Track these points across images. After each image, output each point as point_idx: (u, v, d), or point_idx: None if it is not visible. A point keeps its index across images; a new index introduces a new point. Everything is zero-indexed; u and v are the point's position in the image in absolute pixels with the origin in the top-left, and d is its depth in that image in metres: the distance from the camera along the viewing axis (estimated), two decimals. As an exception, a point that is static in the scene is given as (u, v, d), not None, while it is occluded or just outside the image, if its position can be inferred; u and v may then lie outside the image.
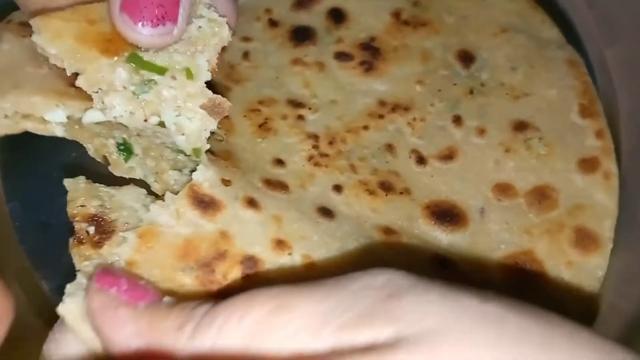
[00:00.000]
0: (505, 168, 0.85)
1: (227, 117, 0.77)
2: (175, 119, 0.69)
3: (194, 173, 0.73)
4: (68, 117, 0.73)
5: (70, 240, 0.70)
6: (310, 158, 0.84)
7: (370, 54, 0.93)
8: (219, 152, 0.82)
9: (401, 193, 0.83)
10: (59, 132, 0.76)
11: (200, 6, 0.70)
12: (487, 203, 0.83)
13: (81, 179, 0.73)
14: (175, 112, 0.69)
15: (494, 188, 0.84)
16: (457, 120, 0.89)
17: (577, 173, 0.85)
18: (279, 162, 0.83)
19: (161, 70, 0.66)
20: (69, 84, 0.71)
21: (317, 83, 0.91)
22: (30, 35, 0.69)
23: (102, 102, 0.67)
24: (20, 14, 0.82)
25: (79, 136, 0.77)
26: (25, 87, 0.71)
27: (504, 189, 0.84)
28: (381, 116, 0.89)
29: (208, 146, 0.75)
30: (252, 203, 0.74)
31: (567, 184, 0.84)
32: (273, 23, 0.96)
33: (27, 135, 0.83)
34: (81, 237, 0.69)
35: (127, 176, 0.80)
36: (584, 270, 0.79)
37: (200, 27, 0.69)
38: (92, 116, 0.70)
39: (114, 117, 0.69)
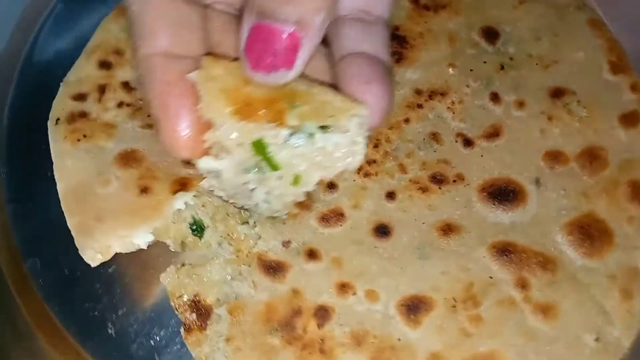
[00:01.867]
0: (551, 135, 0.87)
1: None
2: (266, 200, 0.75)
3: (258, 242, 0.81)
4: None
5: (182, 331, 0.78)
6: (359, 170, 0.85)
7: (398, 44, 0.94)
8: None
9: (454, 181, 0.85)
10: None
11: (354, 120, 0.65)
12: (540, 173, 0.85)
13: (172, 269, 0.80)
14: (266, 195, 0.74)
15: (544, 157, 0.86)
16: (495, 97, 0.90)
17: (620, 129, 0.87)
18: (331, 186, 0.84)
19: (274, 167, 0.67)
20: (138, 192, 0.77)
21: (351, 82, 0.92)
22: (84, 136, 0.81)
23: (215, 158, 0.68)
24: (62, 110, 0.85)
25: (158, 236, 0.80)
26: (106, 220, 0.77)
27: (554, 156, 0.86)
28: (420, 105, 0.90)
29: (286, 215, 0.82)
30: (312, 254, 0.80)
31: (612, 141, 0.86)
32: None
33: (34, 182, 0.87)
34: (189, 326, 0.78)
35: (205, 253, 0.82)
36: (646, 223, 0.82)
37: (338, 142, 0.65)
38: (206, 164, 0.69)
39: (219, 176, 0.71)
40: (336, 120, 0.64)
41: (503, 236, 0.81)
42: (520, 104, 0.89)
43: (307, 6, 0.60)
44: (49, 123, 0.85)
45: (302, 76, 0.65)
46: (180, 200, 0.79)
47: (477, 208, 0.83)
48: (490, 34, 0.95)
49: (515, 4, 0.96)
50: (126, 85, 0.88)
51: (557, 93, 0.90)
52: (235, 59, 0.66)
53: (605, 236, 0.80)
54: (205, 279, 0.81)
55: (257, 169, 0.68)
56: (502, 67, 0.92)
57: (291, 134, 0.64)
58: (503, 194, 0.83)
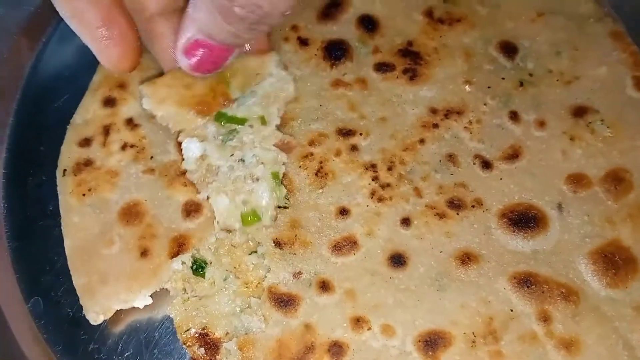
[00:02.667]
0: (573, 157, 0.83)
1: (285, 174, 0.83)
2: (255, 155, 0.80)
3: (267, 275, 0.79)
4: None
5: None
6: (372, 194, 0.82)
7: (411, 60, 0.90)
8: (286, 227, 0.81)
9: (473, 206, 0.81)
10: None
11: (271, 65, 0.83)
12: (563, 197, 0.81)
13: (179, 301, 0.79)
14: (254, 150, 0.81)
15: (566, 180, 0.82)
16: (514, 116, 0.86)
17: (645, 150, 0.84)
18: (343, 212, 0.81)
19: (241, 121, 0.81)
20: (139, 255, 0.80)
21: (362, 102, 0.88)
22: (89, 190, 0.84)
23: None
24: (68, 159, 0.86)
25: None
26: (109, 283, 0.79)
27: (577, 180, 0.82)
28: (435, 125, 0.86)
29: (284, 169, 0.82)
30: (324, 286, 0.78)
31: (638, 163, 0.83)
32: (303, 42, 0.92)
33: (35, 219, 0.86)
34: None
35: (212, 293, 0.80)
36: (673, 250, 0.78)
37: (271, 84, 0.82)
38: (191, 146, 0.79)
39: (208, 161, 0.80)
40: (261, 75, 0.82)
41: (524, 265, 0.78)
42: (541, 124, 0.85)
43: (241, 26, 0.69)
44: (57, 173, 0.86)
45: None
46: (177, 262, 0.79)
47: (496, 235, 0.80)
48: (509, 49, 0.91)
49: (533, 17, 0.92)
50: (130, 122, 0.87)
51: (579, 111, 0.86)
52: (164, 75, 0.80)
53: (630, 265, 0.77)
54: (213, 311, 0.78)
55: (231, 134, 0.80)
56: (521, 84, 0.88)
57: (239, 101, 0.81)
58: (524, 220, 0.80)
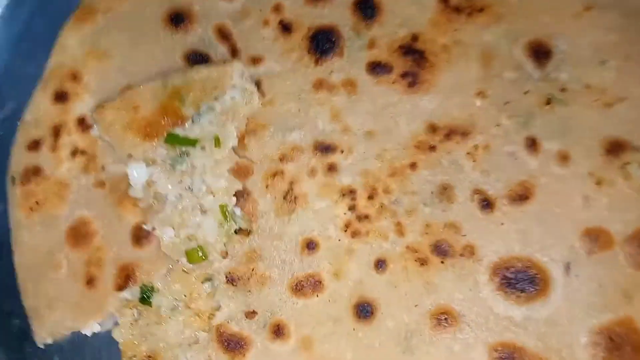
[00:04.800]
0: (597, 206, 0.67)
1: (248, 194, 0.72)
2: (204, 182, 0.71)
3: (217, 313, 0.71)
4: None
5: None
6: (346, 226, 0.70)
7: (414, 61, 0.73)
8: (243, 259, 0.72)
9: (462, 255, 0.68)
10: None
11: (234, 75, 0.73)
12: (574, 256, 0.67)
13: (126, 324, 0.73)
14: (203, 176, 0.71)
15: (583, 234, 0.67)
16: (532, 143, 0.70)
17: (692, 207, 0.67)
18: (311, 246, 0.71)
19: (192, 142, 0.72)
20: (85, 283, 0.74)
21: (348, 110, 0.73)
22: (36, 203, 0.76)
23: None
24: (17, 164, 0.78)
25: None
26: (56, 310, 0.74)
27: (596, 236, 0.67)
28: (432, 147, 0.71)
29: (234, 200, 0.72)
30: (279, 330, 0.69)
31: (678, 222, 0.66)
32: (285, 27, 0.76)
33: None
34: None
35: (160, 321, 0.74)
36: (700, 339, 0.64)
37: (233, 97, 0.73)
38: (136, 172, 0.73)
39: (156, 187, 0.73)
40: (220, 88, 0.73)
41: (511, 335, 0.66)
42: (564, 157, 0.69)
43: None
44: (7, 181, 0.78)
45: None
46: (125, 294, 0.73)
47: (484, 294, 0.68)
48: (540, 52, 0.72)
49: (579, 10, 0.71)
50: (81, 123, 0.77)
51: (615, 147, 0.68)
52: (116, 99, 0.74)
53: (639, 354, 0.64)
54: (160, 340, 0.72)
55: (182, 157, 0.72)
56: (549, 102, 0.70)
57: (194, 119, 0.72)
58: (521, 280, 0.67)
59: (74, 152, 0.76)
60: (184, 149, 0.72)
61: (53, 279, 0.74)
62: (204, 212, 0.70)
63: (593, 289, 0.66)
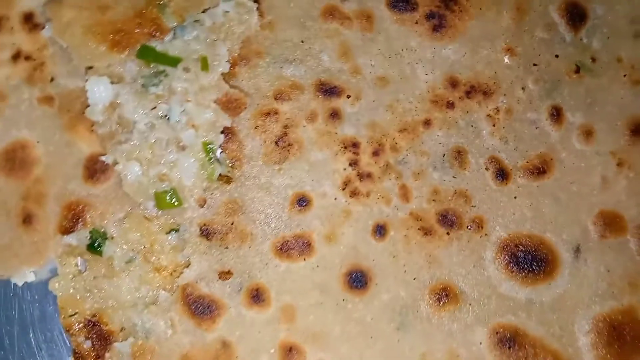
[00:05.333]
0: (615, 188, 0.63)
1: (233, 133, 0.61)
2: (185, 111, 0.59)
3: (185, 272, 0.60)
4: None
5: None
6: (345, 184, 0.61)
7: (442, 2, 0.63)
8: (221, 210, 0.60)
9: (469, 227, 0.62)
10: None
11: None
12: (584, 239, 0.63)
13: (66, 274, 0.60)
14: (184, 104, 0.59)
15: (597, 217, 0.63)
16: (556, 113, 0.64)
17: None
18: (302, 202, 0.61)
19: (172, 61, 0.59)
20: (20, 221, 0.60)
21: (360, 48, 0.63)
22: None
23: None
24: None
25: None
26: None
27: (610, 220, 0.63)
28: (450, 104, 0.63)
29: (221, 138, 0.60)
30: (257, 296, 0.59)
31: (692, 215, 0.64)
32: None
33: None
34: (80, 354, 0.59)
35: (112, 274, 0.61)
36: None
37: (227, 11, 0.60)
38: (97, 88, 0.58)
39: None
40: None
41: (512, 318, 0.61)
42: (588, 133, 0.64)
43: None
44: None
45: None
46: (70, 238, 0.60)
47: (489, 271, 0.62)
48: (576, 13, 0.65)
49: (621, -27, 0.65)
50: (29, 20, 0.60)
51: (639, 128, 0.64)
52: None
53: (639, 345, 0.62)
54: (109, 297, 0.60)
55: (157, 77, 0.58)
56: (577, 70, 0.64)
57: (175, 33, 0.59)
58: (529, 260, 0.62)
59: (16, 56, 0.60)
60: (161, 67, 0.58)
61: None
62: (181, 148, 0.58)
63: (600, 274, 0.62)
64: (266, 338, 0.59)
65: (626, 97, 0.64)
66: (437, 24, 0.63)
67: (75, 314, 0.60)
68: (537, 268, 0.62)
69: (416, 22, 0.63)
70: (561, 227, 0.63)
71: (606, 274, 0.62)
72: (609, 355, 0.61)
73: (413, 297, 0.61)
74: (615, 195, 0.63)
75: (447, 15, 0.64)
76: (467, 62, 0.64)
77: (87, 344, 0.59)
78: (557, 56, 0.64)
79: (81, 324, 0.60)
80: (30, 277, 0.61)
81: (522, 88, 0.64)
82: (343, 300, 0.61)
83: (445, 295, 0.61)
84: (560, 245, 0.63)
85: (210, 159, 0.58)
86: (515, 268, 0.62)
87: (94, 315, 0.60)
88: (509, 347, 0.60)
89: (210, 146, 0.59)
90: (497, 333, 0.61)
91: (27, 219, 0.59)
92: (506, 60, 0.64)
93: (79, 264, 0.60)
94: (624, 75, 0.65)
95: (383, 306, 0.61)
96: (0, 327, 0.61)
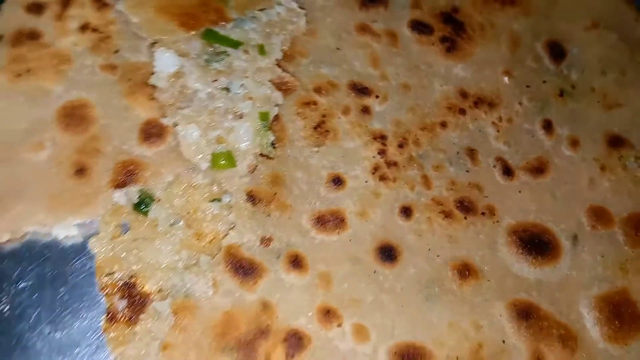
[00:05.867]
0: (600, 188, 0.74)
1: (277, 118, 0.67)
2: (244, 86, 0.66)
3: (231, 232, 0.63)
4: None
5: (102, 319, 0.59)
6: (375, 169, 0.68)
7: (453, 29, 0.76)
8: (265, 181, 0.65)
9: (483, 214, 0.69)
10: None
11: None
12: (580, 229, 0.71)
13: (107, 234, 0.61)
14: (243, 80, 0.66)
15: (588, 212, 0.72)
16: (547, 125, 0.75)
17: (675, 201, 0.76)
18: (337, 182, 0.67)
19: (235, 44, 0.67)
20: (73, 172, 0.61)
21: (387, 60, 0.74)
22: (27, 71, 0.63)
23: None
24: (8, 23, 0.66)
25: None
26: (26, 199, 0.60)
27: (599, 214, 0.72)
28: (462, 111, 0.74)
29: (276, 111, 0.67)
30: (296, 262, 0.63)
31: (664, 214, 0.75)
32: (334, -30, 0.76)
33: None
34: (113, 314, 0.59)
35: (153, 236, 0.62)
36: (681, 316, 0.71)
37: (279, 12, 0.71)
38: (164, 58, 0.65)
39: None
40: (268, 1, 0.71)
41: (525, 295, 0.67)
42: (574, 143, 0.75)
43: None
44: None
45: None
46: (121, 194, 0.62)
47: (502, 253, 0.69)
48: (557, 51, 0.79)
49: (588, 25, 0.82)
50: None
51: (615, 141, 0.76)
52: None
53: (635, 322, 0.68)
54: (149, 259, 0.61)
55: (219, 56, 0.66)
56: (561, 94, 0.77)
57: (236, 23, 0.68)
58: (536, 243, 0.69)
59: (84, 27, 0.66)
60: (222, 48, 0.66)
61: (30, 160, 0.60)
62: (239, 116, 0.64)
63: (596, 260, 0.70)
64: (304, 301, 0.62)
65: (602, 118, 0.78)
66: (450, 46, 0.76)
67: (112, 273, 0.60)
68: (543, 251, 0.69)
69: (433, 44, 0.76)
70: (559, 219, 0.71)
71: (601, 260, 0.71)
72: (610, 331, 0.67)
73: (438, 272, 0.66)
74: (601, 193, 0.74)
75: (457, 41, 0.76)
76: (473, 79, 0.76)
77: (122, 304, 0.59)
78: (544, 82, 0.78)
79: (117, 284, 0.60)
80: (72, 231, 0.61)
81: (519, 103, 0.76)
82: (374, 272, 0.65)
83: (466, 271, 0.67)
84: (560, 233, 0.71)
85: (266, 127, 0.64)
86: (524, 250, 0.69)
87: (132, 277, 0.60)
88: (526, 319, 0.65)
89: (269, 115, 0.65)
90: (514, 306, 0.66)
91: (80, 171, 0.61)
92: (505, 80, 0.77)
93: (121, 225, 0.61)
94: (598, 102, 0.78)
95: (411, 279, 0.65)
96: (37, 285, 0.59)
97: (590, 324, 0.68)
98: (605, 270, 0.70)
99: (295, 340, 0.60)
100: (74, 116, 0.62)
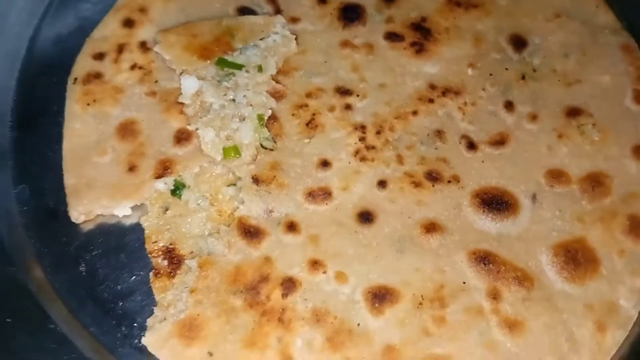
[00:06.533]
0: (558, 154, 0.84)
1: (276, 119, 0.87)
2: (246, 96, 0.86)
3: (241, 206, 0.82)
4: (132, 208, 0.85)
5: (150, 274, 0.80)
6: (356, 153, 0.84)
7: (422, 35, 0.92)
8: (266, 167, 0.84)
9: (449, 182, 0.83)
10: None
11: (278, 25, 0.92)
12: (539, 189, 0.82)
13: (154, 213, 0.83)
14: (245, 92, 0.86)
15: (546, 174, 0.83)
16: (509, 105, 0.88)
17: (631, 160, 0.84)
18: (325, 164, 0.84)
19: (239, 67, 0.89)
20: (127, 169, 0.84)
21: (366, 66, 0.91)
22: (94, 101, 0.88)
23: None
24: (81, 69, 0.91)
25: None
26: (95, 189, 0.84)
27: (557, 175, 0.83)
28: (431, 100, 0.88)
29: (269, 112, 0.86)
30: (292, 227, 0.80)
31: (621, 171, 0.83)
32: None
33: (39, 115, 0.91)
34: (158, 270, 0.80)
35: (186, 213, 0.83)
36: (637, 258, 0.79)
37: (274, 40, 0.91)
38: (188, 82, 0.87)
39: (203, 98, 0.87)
40: (265, 32, 0.91)
41: (486, 245, 0.79)
42: (534, 117, 0.87)
43: None
44: (68, 80, 0.90)
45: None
46: (161, 183, 0.83)
47: (466, 212, 0.81)
48: (518, 42, 0.92)
49: (550, 17, 0.94)
50: (143, 45, 0.92)
51: (573, 112, 0.87)
52: (178, 26, 0.92)
53: (591, 264, 0.78)
54: (183, 230, 0.81)
55: (228, 76, 0.88)
56: (523, 77, 0.90)
57: (241, 51, 0.90)
58: (496, 202, 0.81)
59: (133, 67, 0.90)
60: (231, 70, 0.87)
61: (97, 162, 0.84)
62: (242, 119, 0.84)
63: (554, 214, 0.81)
64: (297, 256, 0.78)
65: (561, 93, 0.88)
66: (419, 48, 0.91)
67: (157, 241, 0.81)
68: (503, 208, 0.81)
69: (404, 48, 0.91)
70: (519, 181, 0.83)
71: (559, 214, 0.81)
72: (567, 272, 0.77)
73: (408, 229, 0.80)
74: (559, 158, 0.84)
75: (425, 44, 0.92)
76: (441, 74, 0.90)
77: (164, 263, 0.80)
78: (507, 69, 0.90)
79: (161, 249, 0.81)
80: (128, 211, 0.83)
81: (483, 89, 0.89)
82: (355, 231, 0.80)
83: (432, 228, 0.80)
84: (520, 194, 0.82)
85: (262, 125, 0.84)
86: (485, 209, 0.81)
87: (171, 243, 0.81)
88: (484, 264, 0.77)
89: (264, 116, 0.85)
90: (474, 254, 0.78)
91: (132, 168, 0.83)
92: (470, 72, 0.90)
93: (163, 206, 0.83)
94: (559, 80, 0.89)
95: (385, 236, 0.80)
96: (105, 252, 0.82)
97: (548, 268, 0.78)
98: (564, 223, 0.80)
99: (289, 284, 0.77)
100: (127, 130, 0.86)
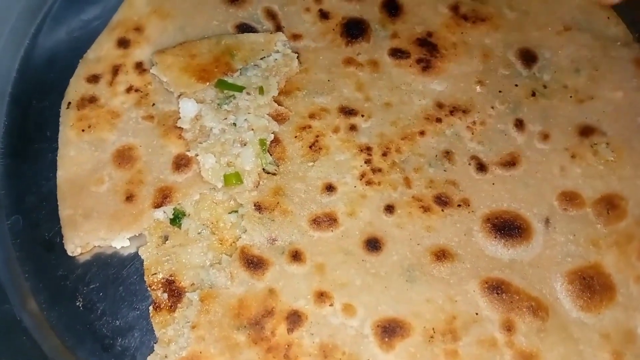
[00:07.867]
0: (571, 175, 0.82)
1: (278, 141, 0.83)
2: (247, 120, 0.83)
3: (243, 235, 0.79)
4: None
5: (150, 308, 0.77)
6: (362, 176, 0.81)
7: (428, 51, 0.89)
8: (269, 193, 0.81)
9: (459, 205, 0.80)
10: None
11: (279, 43, 0.89)
12: (552, 212, 0.80)
13: (152, 244, 0.80)
14: (247, 115, 0.83)
15: (559, 196, 0.80)
16: (519, 124, 0.85)
17: (647, 181, 0.82)
18: (330, 189, 0.81)
19: (239, 89, 0.85)
20: (124, 198, 0.81)
21: (370, 84, 0.87)
22: (89, 126, 0.85)
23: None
24: (74, 92, 0.87)
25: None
26: (92, 220, 0.81)
27: (570, 198, 0.80)
28: (439, 119, 0.85)
29: (272, 137, 0.83)
30: (296, 256, 0.77)
31: (636, 192, 0.80)
32: (324, 14, 0.92)
33: (31, 141, 0.88)
34: (158, 304, 0.77)
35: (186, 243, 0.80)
36: (654, 285, 0.76)
37: (276, 59, 0.88)
38: (187, 106, 0.84)
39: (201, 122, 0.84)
40: (266, 51, 0.88)
41: (499, 272, 0.76)
42: (545, 136, 0.84)
43: None
44: (62, 105, 0.87)
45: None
46: (160, 212, 0.80)
47: (477, 238, 0.79)
48: (528, 57, 0.89)
49: (560, 30, 0.90)
50: (139, 66, 0.88)
51: (586, 131, 0.84)
52: (175, 46, 0.88)
53: (607, 291, 0.75)
54: (183, 261, 0.78)
55: (228, 99, 0.84)
56: (534, 94, 0.87)
57: (241, 72, 0.86)
58: (508, 228, 0.78)
59: (129, 89, 0.86)
60: (231, 93, 0.84)
61: (94, 192, 0.81)
62: (243, 144, 0.81)
63: (568, 239, 0.78)
64: (303, 287, 0.75)
65: (574, 111, 0.85)
66: (425, 65, 0.88)
67: (156, 273, 0.78)
68: (515, 233, 0.78)
69: (410, 65, 0.88)
70: (532, 204, 0.80)
71: (573, 238, 0.78)
72: (583, 301, 0.75)
73: (417, 257, 0.77)
74: (572, 179, 0.81)
75: (432, 60, 0.88)
76: (448, 92, 0.87)
77: (164, 297, 0.77)
78: (516, 85, 0.87)
79: (161, 281, 0.78)
80: (126, 243, 0.80)
81: (492, 107, 0.86)
82: (362, 260, 0.77)
83: (443, 255, 0.77)
84: (532, 217, 0.79)
85: (264, 150, 0.81)
86: (497, 234, 0.78)
87: (171, 275, 0.78)
88: (497, 293, 0.75)
89: (266, 141, 0.81)
90: (486, 282, 0.76)
91: (129, 197, 0.80)
92: (478, 89, 0.87)
93: (162, 235, 0.80)
94: (570, 97, 0.86)
95: (394, 264, 0.77)
96: (102, 285, 0.79)
97: (562, 296, 0.76)
98: (578, 248, 0.78)
99: (295, 317, 0.74)
100: (124, 157, 0.82)
